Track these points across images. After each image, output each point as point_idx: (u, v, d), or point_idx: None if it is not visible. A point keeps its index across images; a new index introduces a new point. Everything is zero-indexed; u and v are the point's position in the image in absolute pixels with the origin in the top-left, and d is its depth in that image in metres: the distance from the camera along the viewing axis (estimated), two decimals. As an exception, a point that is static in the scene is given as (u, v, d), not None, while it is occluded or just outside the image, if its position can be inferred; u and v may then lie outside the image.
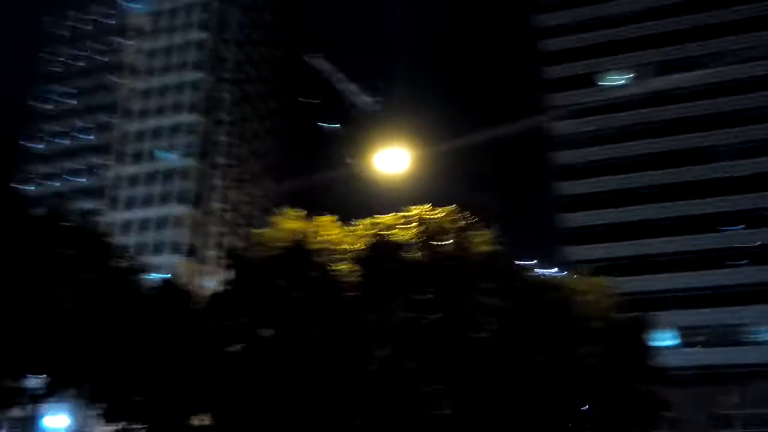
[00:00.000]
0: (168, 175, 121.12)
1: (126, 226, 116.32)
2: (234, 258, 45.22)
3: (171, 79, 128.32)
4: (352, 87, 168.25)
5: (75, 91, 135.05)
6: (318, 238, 41.64)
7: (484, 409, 41.20)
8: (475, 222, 42.98)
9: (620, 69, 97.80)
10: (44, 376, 45.40)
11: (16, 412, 46.31)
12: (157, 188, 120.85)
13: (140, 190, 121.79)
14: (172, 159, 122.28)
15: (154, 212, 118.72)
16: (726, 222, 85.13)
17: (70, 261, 46.65)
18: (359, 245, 41.32)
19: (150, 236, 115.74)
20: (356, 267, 41.10)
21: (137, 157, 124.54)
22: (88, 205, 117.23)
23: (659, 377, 43.38)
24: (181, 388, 44.36)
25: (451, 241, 41.33)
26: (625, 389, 41.12)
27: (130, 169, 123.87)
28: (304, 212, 44.34)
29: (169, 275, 44.97)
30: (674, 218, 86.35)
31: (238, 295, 43.27)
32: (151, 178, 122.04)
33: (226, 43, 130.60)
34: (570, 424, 43.19)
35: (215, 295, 45.24)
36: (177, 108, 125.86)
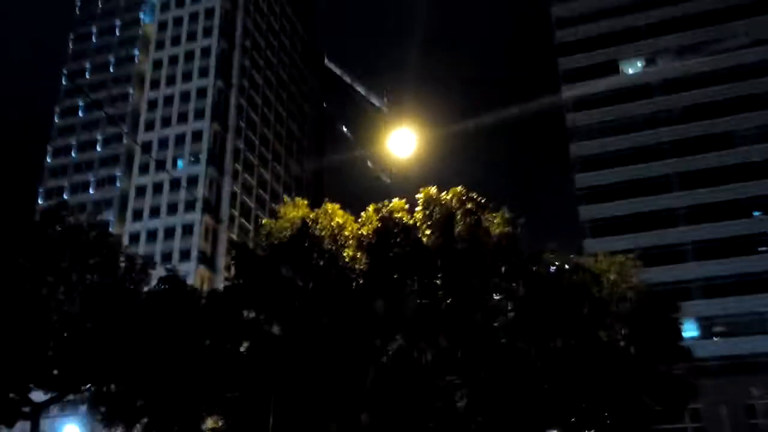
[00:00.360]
0: (181, 183, 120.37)
1: (139, 236, 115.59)
2: (237, 250, 43.47)
3: (183, 87, 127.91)
4: (362, 88, 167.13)
5: (90, 103, 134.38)
6: (322, 225, 39.71)
7: (503, 400, 38.90)
8: (489, 203, 40.79)
9: (637, 56, 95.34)
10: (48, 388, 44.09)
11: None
12: (170, 197, 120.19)
13: (153, 200, 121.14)
14: (184, 167, 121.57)
15: (166, 221, 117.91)
16: (752, 208, 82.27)
17: (72, 261, 45.49)
18: (365, 230, 39.33)
19: (163, 245, 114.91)
20: (362, 253, 39.15)
21: (150, 167, 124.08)
22: (102, 217, 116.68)
23: (689, 360, 40.74)
24: (188, 388, 42.58)
25: (463, 222, 39.17)
26: (655, 372, 38.56)
27: (142, 179, 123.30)
28: (305, 201, 42.48)
29: (171, 274, 43.04)
30: (697, 206, 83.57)
31: (242, 288, 41.44)
32: (163, 187, 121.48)
33: (235, 49, 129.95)
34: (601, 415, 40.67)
35: (218, 291, 43.49)
36: (188, 116, 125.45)
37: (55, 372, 42.87)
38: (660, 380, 38.84)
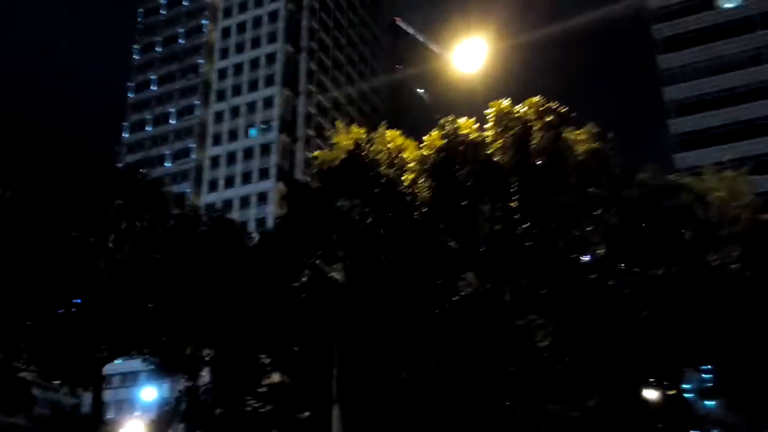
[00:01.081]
0: (253, 151, 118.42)
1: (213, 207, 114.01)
2: (289, 186, 39.48)
3: (252, 54, 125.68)
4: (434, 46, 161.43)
5: (163, 77, 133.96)
6: (377, 147, 34.98)
7: (593, 339, 33.64)
8: (572, 116, 35.17)
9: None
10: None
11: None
12: (244, 166, 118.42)
13: (228, 170, 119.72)
14: (257, 135, 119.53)
15: (241, 191, 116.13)
16: None
17: (121, 209, 42.80)
18: (427, 151, 34.45)
19: (239, 215, 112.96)
20: (425, 178, 34.32)
21: (223, 137, 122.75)
22: (178, 189, 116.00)
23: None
24: (246, 336, 39.15)
25: (541, 137, 33.80)
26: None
27: (216, 150, 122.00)
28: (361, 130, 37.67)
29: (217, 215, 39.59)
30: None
31: (295, 227, 37.39)
32: (237, 156, 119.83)
33: (303, 10, 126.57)
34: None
35: (271, 231, 39.76)
36: (259, 83, 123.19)
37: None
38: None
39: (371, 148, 34.94)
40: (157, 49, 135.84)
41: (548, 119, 34.24)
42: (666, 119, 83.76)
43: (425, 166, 34.16)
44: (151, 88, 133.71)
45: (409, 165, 34.60)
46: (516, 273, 34.56)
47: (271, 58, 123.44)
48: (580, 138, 35.05)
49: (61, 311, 40.07)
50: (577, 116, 35.62)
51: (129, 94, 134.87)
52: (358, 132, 36.36)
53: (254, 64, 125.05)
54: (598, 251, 36.01)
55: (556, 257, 34.22)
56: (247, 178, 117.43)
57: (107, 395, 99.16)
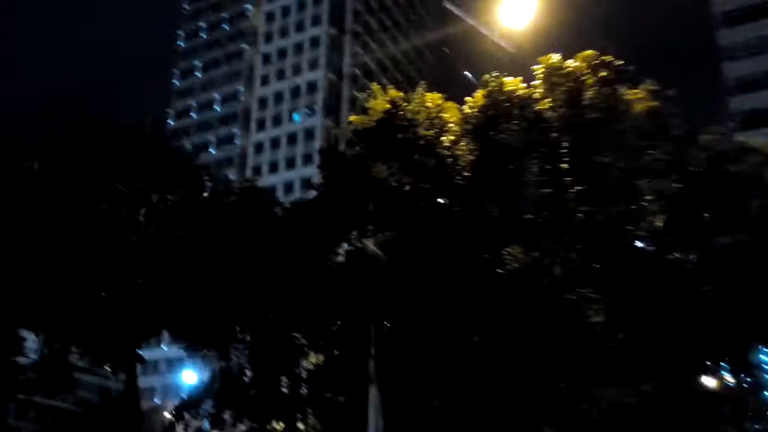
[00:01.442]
0: (298, 136, 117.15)
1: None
2: (323, 154, 37.27)
3: (296, 38, 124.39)
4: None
5: (207, 63, 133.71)
6: (415, 106, 32.38)
7: (648, 317, 30.67)
8: (627, 72, 32.10)
9: None
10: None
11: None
12: (288, 151, 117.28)
13: (271, 155, 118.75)
14: (301, 120, 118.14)
15: (285, 176, 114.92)
16: None
17: (152, 181, 41.40)
18: (469, 109, 31.76)
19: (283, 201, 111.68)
20: (467, 140, 31.66)
21: (267, 123, 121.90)
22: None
23: None
24: (275, 311, 37.24)
25: (594, 93, 30.83)
26: None
27: (260, 136, 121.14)
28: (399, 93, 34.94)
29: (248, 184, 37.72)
30: None
31: (330, 197, 35.13)
32: (280, 142, 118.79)
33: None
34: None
35: (304, 201, 37.60)
36: (303, 67, 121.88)
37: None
38: None
39: (408, 108, 32.34)
40: (201, 35, 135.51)
41: (602, 74, 31.26)
42: (726, 96, 79.20)
43: (468, 127, 31.46)
44: (196, 74, 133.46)
45: (450, 126, 31.93)
46: (567, 243, 31.73)
47: (315, 41, 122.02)
48: (637, 96, 32.00)
49: (93, 290, 38.82)
50: (635, 74, 32.64)
51: (174, 81, 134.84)
52: (396, 93, 33.85)
53: (298, 48, 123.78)
54: (656, 220, 32.94)
55: (610, 226, 31.29)
56: (291, 163, 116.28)
57: (154, 381, 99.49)
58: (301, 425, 38.52)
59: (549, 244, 31.33)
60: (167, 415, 53.02)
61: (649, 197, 32.79)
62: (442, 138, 31.73)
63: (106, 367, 44.39)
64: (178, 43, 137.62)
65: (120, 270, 38.31)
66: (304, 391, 38.55)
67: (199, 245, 37.67)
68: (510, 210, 31.17)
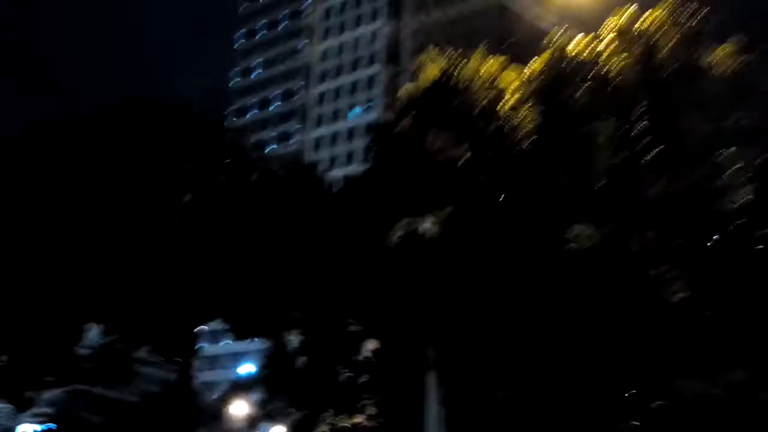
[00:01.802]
0: (357, 132, 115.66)
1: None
2: (375, 131, 35.05)
3: (354, 33, 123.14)
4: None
5: (265, 62, 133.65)
6: (470, 71, 29.68)
7: (735, 301, 27.45)
8: (708, 25, 28.81)
9: None
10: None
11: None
12: (348, 147, 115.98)
13: (331, 151, 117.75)
14: (359, 115, 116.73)
15: (344, 172, 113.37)
16: None
17: (198, 163, 40.12)
18: (530, 71, 28.92)
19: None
20: (530, 105, 28.83)
21: (326, 119, 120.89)
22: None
23: None
24: (328, 295, 35.21)
25: (671, 49, 27.68)
26: None
27: (319, 131, 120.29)
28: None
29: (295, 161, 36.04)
30: None
31: (382, 172, 32.86)
32: (340, 137, 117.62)
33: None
34: None
35: (355, 177, 35.52)
36: (361, 62, 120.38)
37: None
38: None
39: (464, 73, 29.72)
40: (259, 34, 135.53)
41: (681, 29, 28.12)
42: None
43: (531, 89, 28.66)
44: (254, 73, 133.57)
45: (511, 89, 29.17)
46: (644, 217, 28.66)
47: (373, 36, 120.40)
48: (721, 53, 28.73)
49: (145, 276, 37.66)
50: (719, 28, 29.33)
51: (233, 81, 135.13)
52: (449, 58, 31.26)
53: (356, 43, 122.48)
54: (742, 191, 29.57)
55: (691, 197, 28.14)
56: (350, 159, 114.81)
57: (217, 374, 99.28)
58: (358, 417, 36.72)
59: (622, 217, 28.38)
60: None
61: (734, 166, 29.48)
62: (501, 103, 28.97)
63: (163, 358, 43.49)
64: (237, 43, 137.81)
65: (169, 255, 37.07)
66: (360, 379, 36.65)
67: (247, 226, 36.09)
68: (579, 180, 28.35)
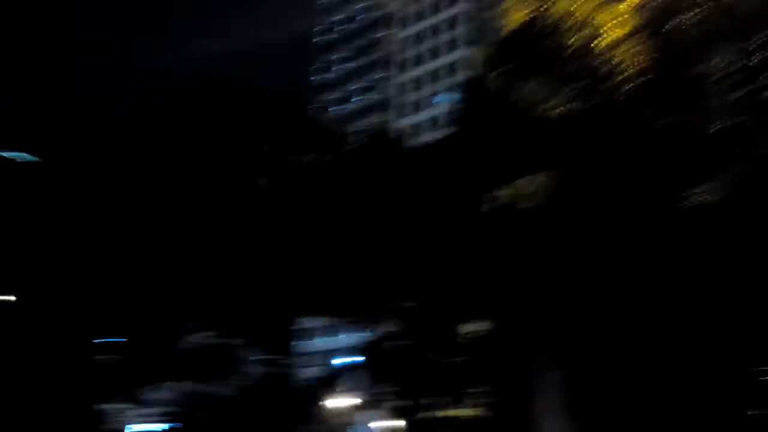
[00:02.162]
0: (440, 121, 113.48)
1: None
2: (466, 87, 32.54)
3: (433, 20, 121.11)
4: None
5: (344, 56, 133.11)
6: (560, 9, 26.55)
7: None
8: None
9: None
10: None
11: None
12: (430, 137, 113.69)
13: (413, 141, 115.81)
14: (443, 101, 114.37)
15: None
16: None
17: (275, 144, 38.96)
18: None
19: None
20: (635, 40, 25.54)
21: (407, 109, 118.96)
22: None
23: None
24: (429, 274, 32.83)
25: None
26: None
27: (401, 122, 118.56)
28: None
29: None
30: None
31: (471, 131, 30.22)
32: (422, 127, 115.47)
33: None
34: None
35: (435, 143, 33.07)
36: (442, 49, 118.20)
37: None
38: None
39: (551, 12, 26.68)
40: (336, 29, 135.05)
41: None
42: None
43: (634, 22, 25.37)
44: (333, 68, 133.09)
45: (611, 25, 25.88)
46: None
47: (453, 21, 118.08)
48: None
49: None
50: None
51: (312, 77, 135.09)
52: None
53: (435, 30, 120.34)
54: None
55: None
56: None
57: (313, 371, 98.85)
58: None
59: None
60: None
61: None
62: (597, 40, 25.75)
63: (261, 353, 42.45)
64: (315, 39, 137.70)
65: (262, 245, 35.84)
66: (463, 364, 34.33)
67: (328, 204, 34.31)
68: (695, 122, 24.98)
